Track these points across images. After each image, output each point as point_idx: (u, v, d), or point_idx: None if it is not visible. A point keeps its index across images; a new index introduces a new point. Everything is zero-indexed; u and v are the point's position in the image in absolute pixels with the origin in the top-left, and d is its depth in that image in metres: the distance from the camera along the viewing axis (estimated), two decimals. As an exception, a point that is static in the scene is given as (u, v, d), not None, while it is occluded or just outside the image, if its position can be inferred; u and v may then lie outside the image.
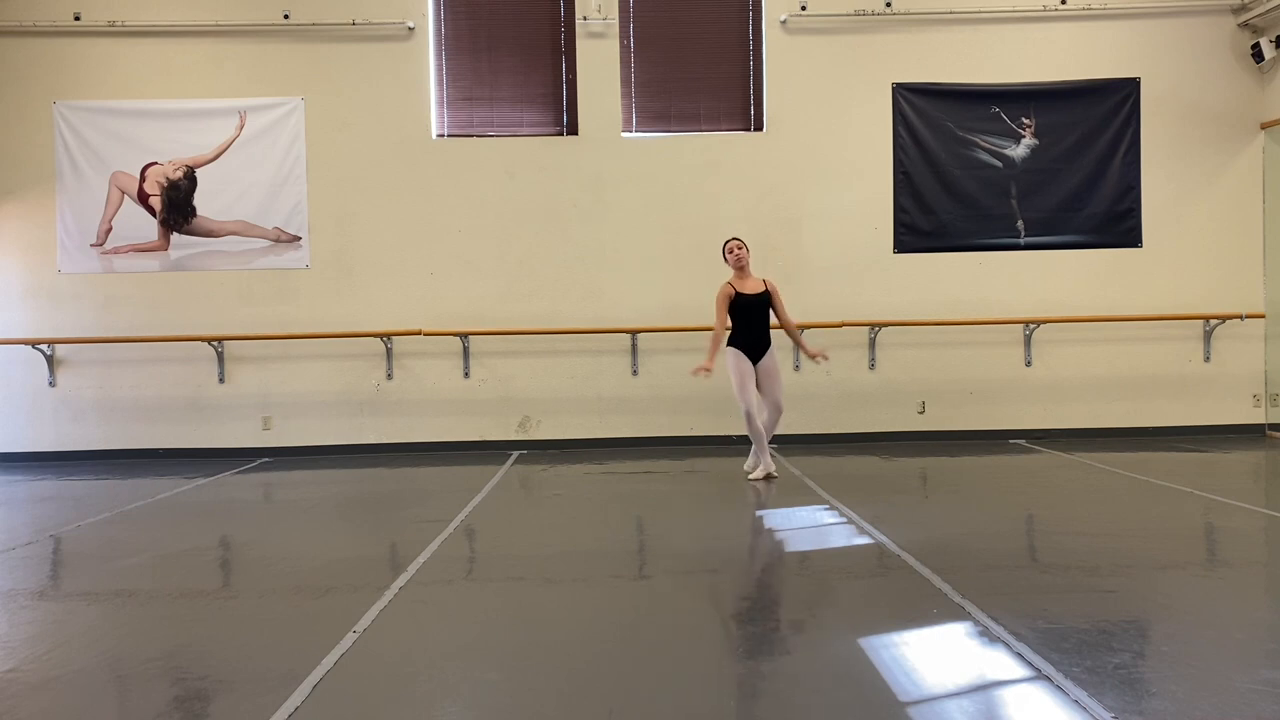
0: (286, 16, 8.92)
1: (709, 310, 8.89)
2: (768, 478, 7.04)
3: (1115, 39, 9.10)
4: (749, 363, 6.88)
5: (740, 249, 6.99)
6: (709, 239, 9.01)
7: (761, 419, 6.99)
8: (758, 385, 6.93)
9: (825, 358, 7.24)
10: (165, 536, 5.59)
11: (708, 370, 6.73)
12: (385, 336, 8.92)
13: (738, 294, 6.94)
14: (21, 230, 8.96)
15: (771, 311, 7.04)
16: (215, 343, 8.91)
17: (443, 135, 9.10)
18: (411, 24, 8.96)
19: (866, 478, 7.23)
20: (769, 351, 6.95)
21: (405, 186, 9.01)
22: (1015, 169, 9.08)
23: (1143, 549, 4.86)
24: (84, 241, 8.96)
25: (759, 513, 6.00)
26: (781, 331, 7.22)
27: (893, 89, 9.06)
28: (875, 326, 8.99)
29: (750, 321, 6.94)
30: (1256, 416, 9.15)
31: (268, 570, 4.78)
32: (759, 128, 9.12)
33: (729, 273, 9.00)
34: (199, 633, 3.79)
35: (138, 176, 8.97)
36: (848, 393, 9.09)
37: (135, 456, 8.93)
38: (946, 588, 4.14)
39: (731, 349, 6.93)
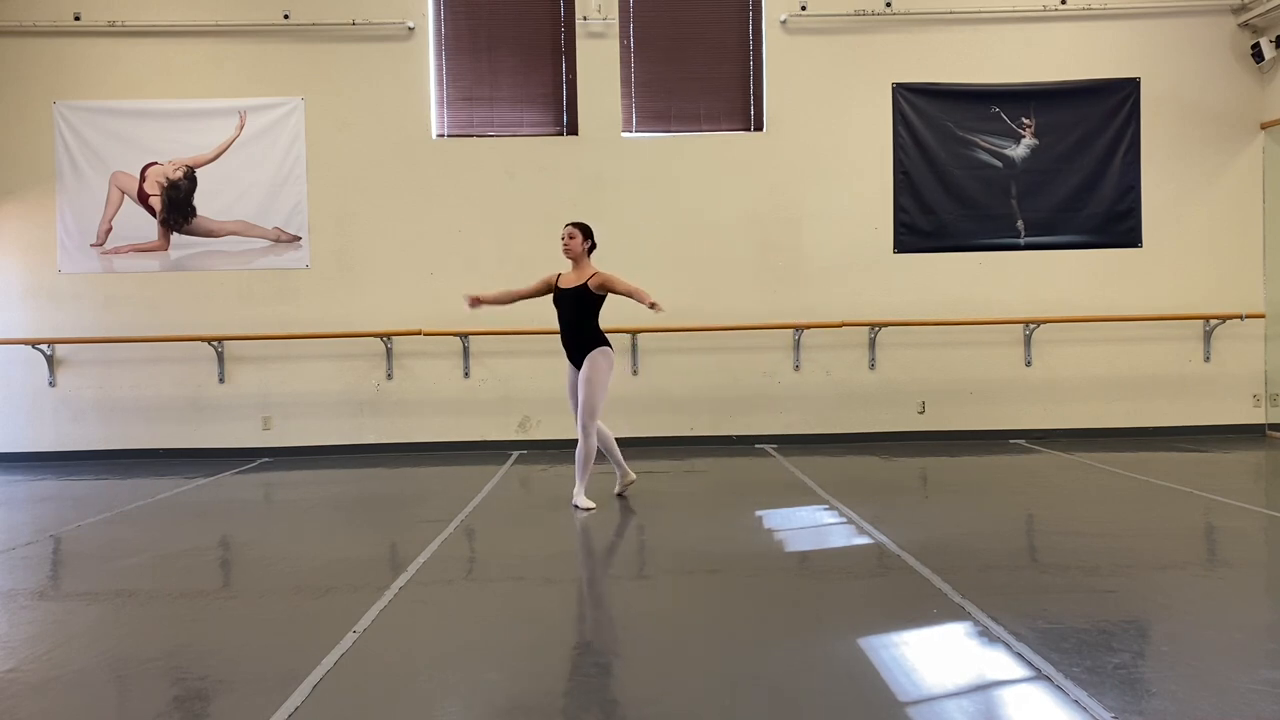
0: (286, 16, 8.92)
1: (709, 311, 8.96)
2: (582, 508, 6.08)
3: (1115, 39, 9.10)
4: (572, 370, 6.13)
5: (570, 238, 6.05)
6: (709, 239, 9.03)
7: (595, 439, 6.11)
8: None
9: (659, 308, 5.69)
10: (165, 536, 5.59)
11: (474, 299, 6.19)
12: (385, 336, 8.92)
13: (556, 286, 6.15)
14: (21, 230, 8.96)
15: (584, 311, 6.03)
16: (215, 343, 8.91)
17: (443, 135, 9.10)
18: (411, 24, 8.96)
19: (866, 478, 7.23)
20: (586, 358, 5.99)
21: (405, 186, 9.01)
22: (1015, 169, 9.08)
23: (1143, 549, 4.86)
24: (84, 241, 8.96)
25: (759, 513, 6.00)
26: (595, 338, 6.08)
27: (893, 89, 9.06)
28: (875, 326, 8.98)
29: (561, 318, 6.11)
30: (1256, 416, 9.15)
31: (267, 570, 4.78)
32: (759, 128, 9.12)
33: (729, 273, 9.08)
34: (199, 633, 3.79)
35: (138, 176, 8.97)
36: (848, 393, 9.09)
37: (135, 456, 8.92)
38: (946, 588, 4.14)
39: None
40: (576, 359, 6.09)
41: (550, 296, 6.24)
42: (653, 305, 5.70)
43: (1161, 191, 9.09)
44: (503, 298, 6.36)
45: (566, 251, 6.11)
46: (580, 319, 6.06)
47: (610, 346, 6.12)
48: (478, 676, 3.26)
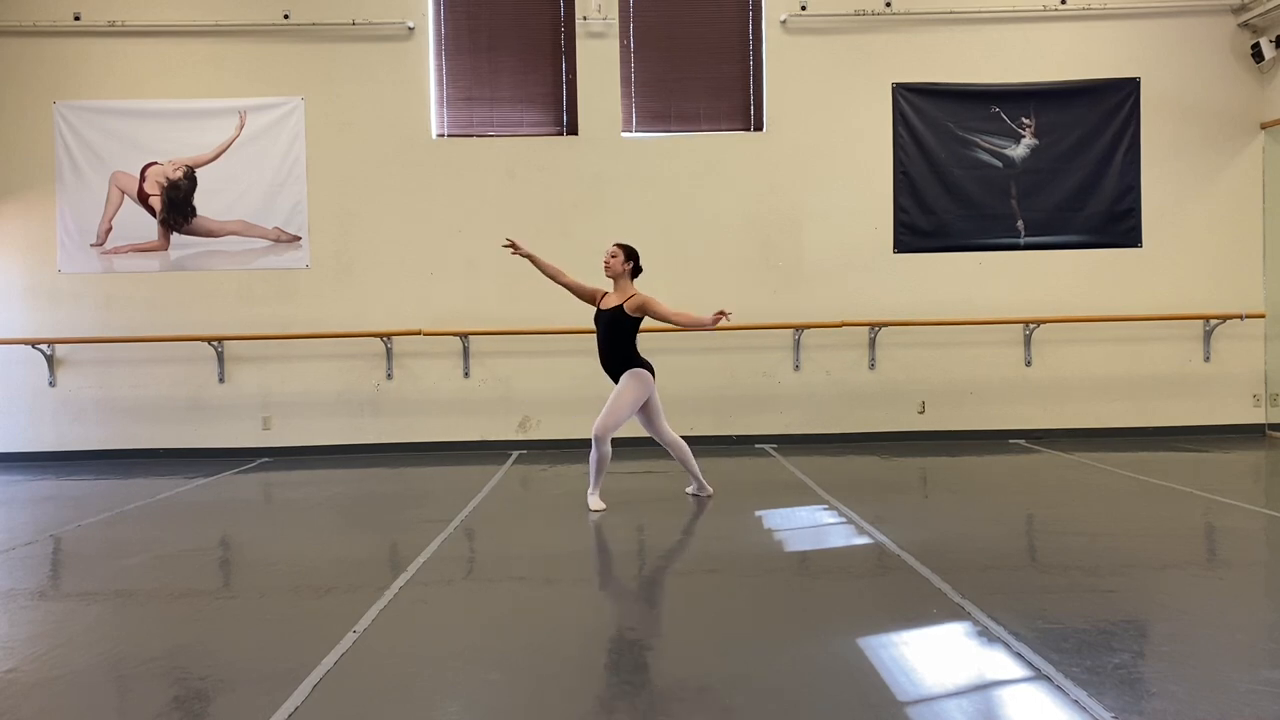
0: (286, 16, 8.92)
1: (710, 310, 8.88)
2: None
3: (1115, 39, 9.10)
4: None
5: (611, 257, 5.94)
6: (709, 239, 9.03)
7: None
8: None
9: (726, 314, 5.80)
10: (165, 536, 5.59)
11: (518, 245, 5.95)
12: (385, 336, 8.92)
13: (598, 304, 6.06)
14: (21, 230, 8.96)
15: (619, 332, 5.92)
16: (215, 343, 8.91)
17: (443, 135, 9.10)
18: (411, 24, 8.96)
19: (866, 478, 7.23)
20: (621, 377, 5.94)
21: (405, 186, 9.01)
22: (1015, 169, 9.08)
23: (1143, 549, 4.86)
24: (84, 241, 8.96)
25: (759, 513, 5.99)
26: (629, 360, 5.98)
27: (893, 89, 9.06)
28: (875, 326, 8.98)
29: (598, 337, 6.02)
30: (1256, 416, 9.15)
31: (268, 570, 4.78)
32: (759, 128, 9.12)
33: (729, 273, 9.07)
34: (199, 633, 3.79)
35: (138, 176, 8.97)
36: (848, 393, 9.09)
37: (135, 456, 8.92)
38: (946, 588, 4.14)
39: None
40: (614, 378, 6.01)
41: (591, 309, 6.11)
42: (717, 320, 5.72)
43: (1161, 191, 9.09)
44: (547, 267, 6.02)
45: (607, 270, 5.96)
46: (615, 340, 5.92)
47: (649, 369, 6.01)
48: (478, 677, 3.26)
